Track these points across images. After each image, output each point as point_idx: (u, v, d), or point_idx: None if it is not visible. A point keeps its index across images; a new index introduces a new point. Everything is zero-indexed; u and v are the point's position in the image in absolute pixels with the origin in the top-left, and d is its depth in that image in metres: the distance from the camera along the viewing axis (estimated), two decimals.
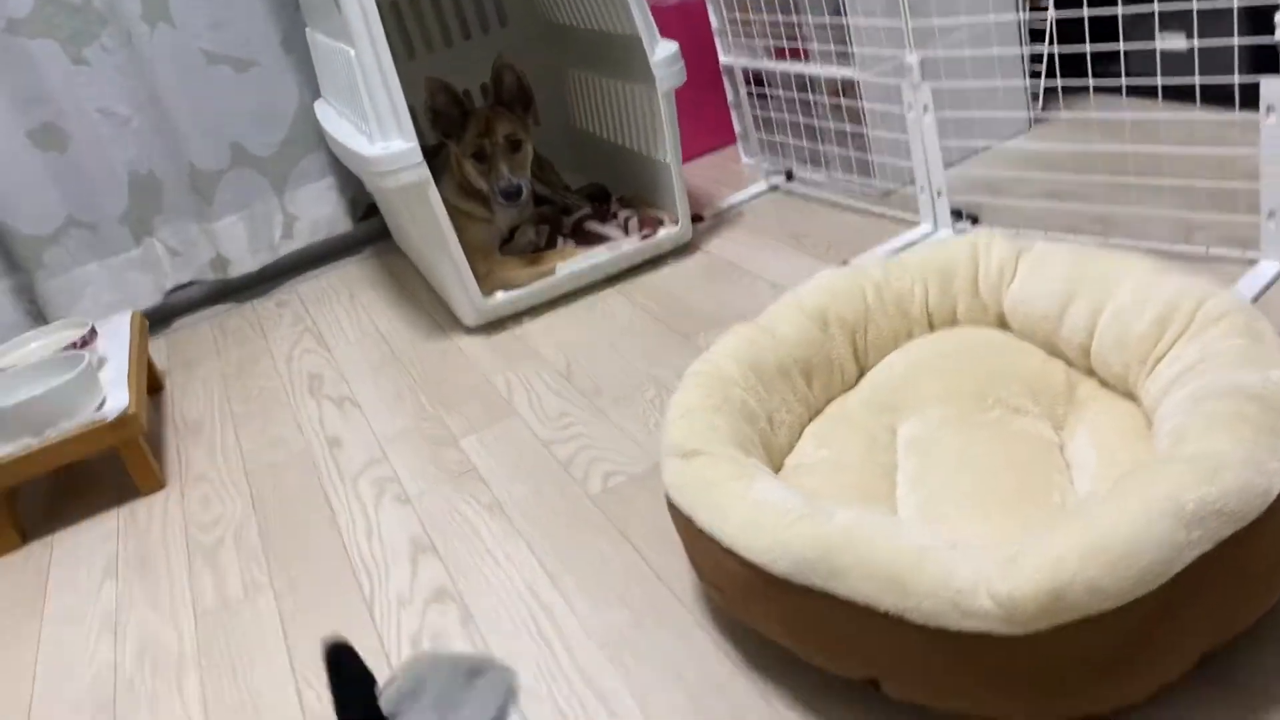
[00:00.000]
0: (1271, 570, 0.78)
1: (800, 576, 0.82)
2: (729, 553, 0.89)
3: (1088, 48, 1.53)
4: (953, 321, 1.22)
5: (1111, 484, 0.82)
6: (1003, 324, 1.20)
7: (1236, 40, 1.35)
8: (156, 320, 2.28)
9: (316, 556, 1.31)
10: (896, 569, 0.77)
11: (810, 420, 1.18)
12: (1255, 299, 1.30)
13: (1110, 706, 0.78)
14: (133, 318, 1.89)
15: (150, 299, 2.19)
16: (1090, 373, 1.11)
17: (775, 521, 0.86)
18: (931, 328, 1.23)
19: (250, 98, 2.16)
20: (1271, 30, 1.22)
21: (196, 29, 2.07)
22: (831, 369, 1.20)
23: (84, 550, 1.48)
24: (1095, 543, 0.74)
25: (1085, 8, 1.46)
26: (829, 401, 1.20)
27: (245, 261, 2.23)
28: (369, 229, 2.41)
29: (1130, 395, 1.06)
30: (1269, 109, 1.24)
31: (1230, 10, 1.36)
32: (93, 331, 1.72)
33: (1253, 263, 1.35)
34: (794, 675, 0.93)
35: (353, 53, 1.63)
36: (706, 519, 0.92)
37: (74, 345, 1.68)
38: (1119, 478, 0.81)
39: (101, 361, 1.72)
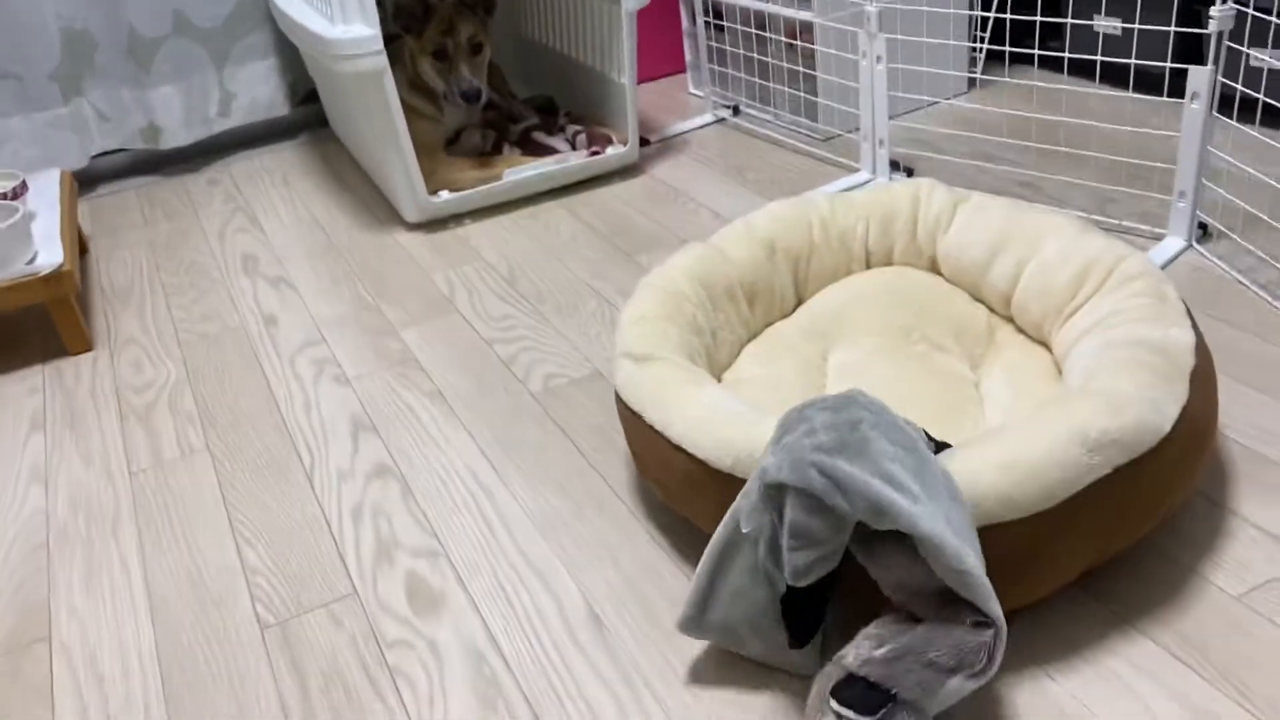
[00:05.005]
0: (1154, 499, 0.89)
1: (741, 470, 0.89)
2: (677, 449, 0.95)
3: (1039, 18, 1.61)
4: (889, 261, 1.31)
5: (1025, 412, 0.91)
6: (934, 268, 1.29)
7: (1172, 29, 1.45)
8: (79, 184, 2.22)
9: (254, 426, 1.34)
10: None
11: (749, 341, 1.25)
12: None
13: (1006, 608, 0.87)
14: (62, 175, 1.84)
15: (75, 161, 2.13)
16: (1009, 319, 1.21)
17: (722, 423, 0.93)
18: (869, 265, 1.31)
19: None
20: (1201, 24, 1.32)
21: None
22: (773, 296, 1.27)
23: (8, 402, 1.46)
24: (1008, 460, 0.83)
25: None
26: (767, 326, 1.28)
27: (178, 134, 2.18)
28: (305, 114, 2.38)
29: (1044, 342, 1.16)
30: (1193, 96, 1.35)
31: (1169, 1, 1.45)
32: (24, 184, 1.68)
33: (1159, 238, 1.46)
34: None
35: None
36: (658, 417, 0.98)
37: (4, 196, 1.64)
38: (1033, 406, 0.90)
39: (31, 216, 1.68)
